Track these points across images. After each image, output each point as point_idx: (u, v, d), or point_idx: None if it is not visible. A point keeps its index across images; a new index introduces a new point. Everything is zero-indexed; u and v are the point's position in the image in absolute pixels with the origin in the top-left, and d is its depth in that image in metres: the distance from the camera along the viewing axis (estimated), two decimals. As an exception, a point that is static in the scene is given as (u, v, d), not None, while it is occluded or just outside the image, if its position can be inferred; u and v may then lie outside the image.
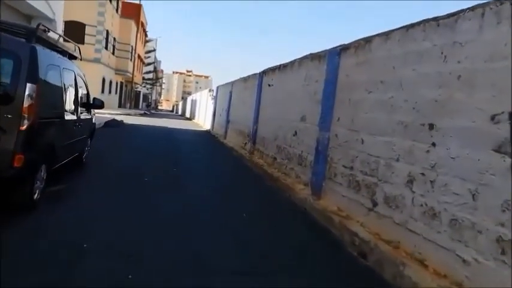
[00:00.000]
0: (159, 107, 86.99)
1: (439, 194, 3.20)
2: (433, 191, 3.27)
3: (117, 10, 33.56)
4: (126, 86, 42.10)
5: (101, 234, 3.68)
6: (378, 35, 4.48)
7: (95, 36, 28.05)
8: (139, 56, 44.43)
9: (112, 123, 15.92)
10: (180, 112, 59.68)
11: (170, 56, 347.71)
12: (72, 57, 5.92)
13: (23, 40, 4.13)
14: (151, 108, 56.55)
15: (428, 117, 3.45)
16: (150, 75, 60.19)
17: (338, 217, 4.62)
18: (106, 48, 30.18)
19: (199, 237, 3.95)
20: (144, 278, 2.89)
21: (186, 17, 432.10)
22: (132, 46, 37.99)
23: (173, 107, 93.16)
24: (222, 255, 3.54)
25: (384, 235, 3.85)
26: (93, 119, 7.39)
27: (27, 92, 3.86)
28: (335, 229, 4.52)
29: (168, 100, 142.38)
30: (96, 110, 7.41)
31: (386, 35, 4.28)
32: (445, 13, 3.45)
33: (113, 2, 31.42)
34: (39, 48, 4.24)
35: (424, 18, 3.69)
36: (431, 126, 3.40)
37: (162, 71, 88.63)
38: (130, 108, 42.81)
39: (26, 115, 3.85)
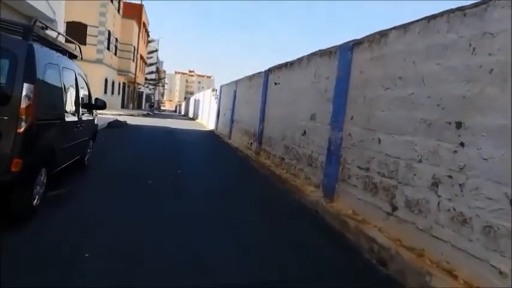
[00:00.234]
0: (162, 108, 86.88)
1: (469, 198, 2.94)
2: (463, 195, 3.01)
3: (118, 10, 33.39)
4: (128, 86, 41.96)
5: (102, 242, 3.45)
6: (394, 28, 4.22)
7: (96, 36, 27.88)
8: (141, 57, 44.27)
9: (115, 124, 15.73)
10: (183, 112, 59.54)
11: (172, 56, 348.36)
12: (72, 56, 5.70)
13: (20, 38, 3.91)
14: (154, 108, 56.41)
15: (455, 115, 3.19)
16: (153, 76, 60.08)
17: (353, 221, 4.36)
18: (108, 48, 30.01)
19: (208, 243, 3.71)
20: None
21: (186, 17, 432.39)
22: (134, 46, 37.82)
23: (176, 107, 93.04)
24: (231, 264, 3.30)
25: (406, 241, 3.59)
26: (95, 120, 7.17)
27: (24, 93, 3.64)
28: (350, 234, 4.27)
29: (170, 100, 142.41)
30: (98, 111, 7.20)
31: (404, 27, 4.01)
32: (470, 2, 3.20)
33: (114, 2, 31.24)
34: (37, 47, 4.02)
35: (446, 9, 3.43)
36: (458, 125, 3.14)
37: (164, 71, 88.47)
38: (133, 108, 42.68)
39: (23, 117, 3.63)
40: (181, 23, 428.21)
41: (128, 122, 17.81)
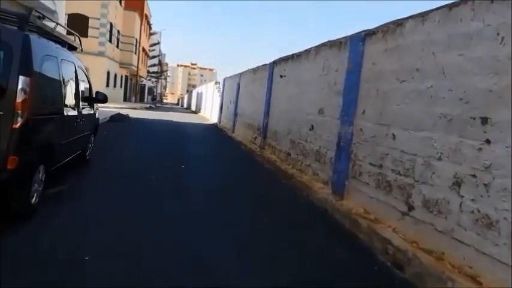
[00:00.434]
0: (165, 101, 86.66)
1: (496, 199, 2.74)
2: (488, 196, 2.80)
3: (120, 2, 33.02)
4: (131, 79, 41.72)
5: (102, 243, 3.28)
6: (411, 17, 3.98)
7: (98, 29, 27.59)
8: (143, 49, 43.95)
9: (117, 118, 15.56)
10: (185, 105, 59.27)
11: (174, 49, 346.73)
12: (72, 47, 5.49)
13: (15, 28, 3.70)
14: (156, 101, 56.15)
15: (480, 110, 2.96)
16: (155, 69, 59.79)
17: (366, 220, 4.17)
18: (110, 41, 29.73)
19: (213, 244, 3.53)
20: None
21: (188, 9, 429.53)
22: (136, 39, 37.52)
23: (178, 100, 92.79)
24: (238, 266, 3.12)
25: (423, 244, 3.39)
26: (97, 114, 6.98)
27: (20, 86, 3.45)
28: (363, 234, 4.07)
29: (173, 93, 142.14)
30: (100, 105, 7.00)
31: (423, 16, 3.77)
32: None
33: (116, -7, 30.88)
34: (33, 37, 3.81)
35: None
36: (484, 120, 2.92)
37: (166, 64, 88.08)
38: (135, 101, 42.48)
39: (19, 111, 3.44)
40: (183, 15, 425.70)
41: (130, 116, 17.62)
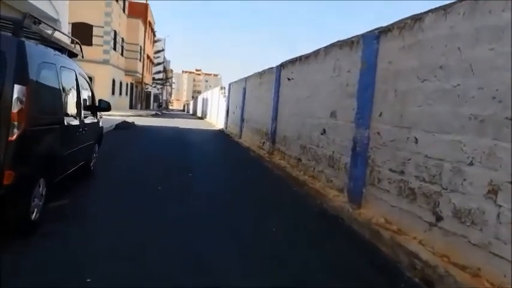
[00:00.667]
0: (170, 107, 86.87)
1: (542, 210, 2.43)
2: (532, 206, 2.50)
3: (124, 10, 33.13)
4: (136, 86, 41.79)
5: (106, 266, 3.02)
6: (431, 11, 3.70)
7: (102, 37, 27.63)
8: (148, 56, 44.05)
9: (123, 126, 15.42)
10: (191, 111, 59.24)
11: (178, 56, 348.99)
12: (72, 54, 5.28)
13: (9, 34, 3.49)
14: (162, 108, 56.22)
15: (517, 109, 2.67)
16: (160, 75, 59.92)
17: (388, 231, 3.87)
18: (114, 49, 29.77)
19: (226, 258, 3.26)
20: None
21: (192, 16, 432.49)
22: (140, 46, 37.58)
23: (184, 106, 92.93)
24: (253, 281, 2.85)
25: (455, 258, 3.09)
26: (100, 123, 6.76)
27: (15, 95, 3.23)
28: (385, 247, 3.77)
29: (178, 100, 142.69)
30: (105, 113, 6.78)
31: (445, 9, 3.49)
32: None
33: (119, 1, 30.96)
34: (29, 44, 3.60)
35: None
36: (523, 121, 2.62)
37: (171, 70, 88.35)
38: (141, 109, 42.52)
39: (15, 122, 3.24)
40: (186, 22, 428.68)
41: (136, 123, 17.47)
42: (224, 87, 22.28)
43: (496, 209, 2.77)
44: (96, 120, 6.25)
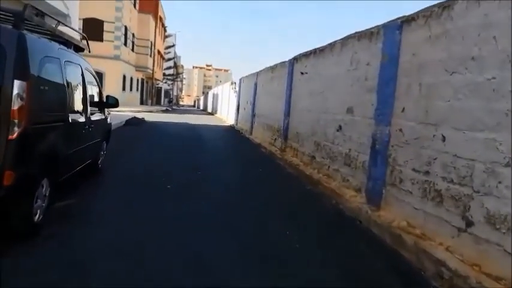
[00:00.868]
0: (181, 103, 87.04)
1: None
2: None
3: (134, 5, 33.06)
4: (147, 82, 41.86)
5: (110, 272, 2.83)
6: (461, -3, 3.39)
7: (113, 32, 27.62)
8: (159, 52, 44.05)
9: (133, 122, 15.31)
10: (201, 107, 59.25)
11: (189, 51, 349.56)
12: (78, 49, 5.11)
13: (9, 27, 3.31)
14: (173, 104, 56.23)
15: None
16: (171, 71, 59.95)
17: (411, 236, 3.60)
18: (125, 44, 29.76)
19: (239, 262, 3.04)
20: None
21: (202, 11, 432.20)
22: (151, 42, 37.56)
23: (194, 102, 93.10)
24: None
25: (488, 268, 2.81)
26: (108, 119, 6.60)
27: (15, 91, 3.06)
28: (409, 252, 3.51)
29: (189, 95, 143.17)
30: (115, 109, 6.60)
31: (477, -5, 3.18)
32: None
33: (130, -3, 30.91)
34: (31, 37, 3.42)
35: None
36: None
37: (182, 66, 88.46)
38: (152, 104, 42.61)
39: (15, 120, 3.06)
40: (197, 17, 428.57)
41: (146, 119, 17.39)
42: (235, 83, 22.06)
43: (538, 216, 2.49)
44: (103, 117, 6.08)
